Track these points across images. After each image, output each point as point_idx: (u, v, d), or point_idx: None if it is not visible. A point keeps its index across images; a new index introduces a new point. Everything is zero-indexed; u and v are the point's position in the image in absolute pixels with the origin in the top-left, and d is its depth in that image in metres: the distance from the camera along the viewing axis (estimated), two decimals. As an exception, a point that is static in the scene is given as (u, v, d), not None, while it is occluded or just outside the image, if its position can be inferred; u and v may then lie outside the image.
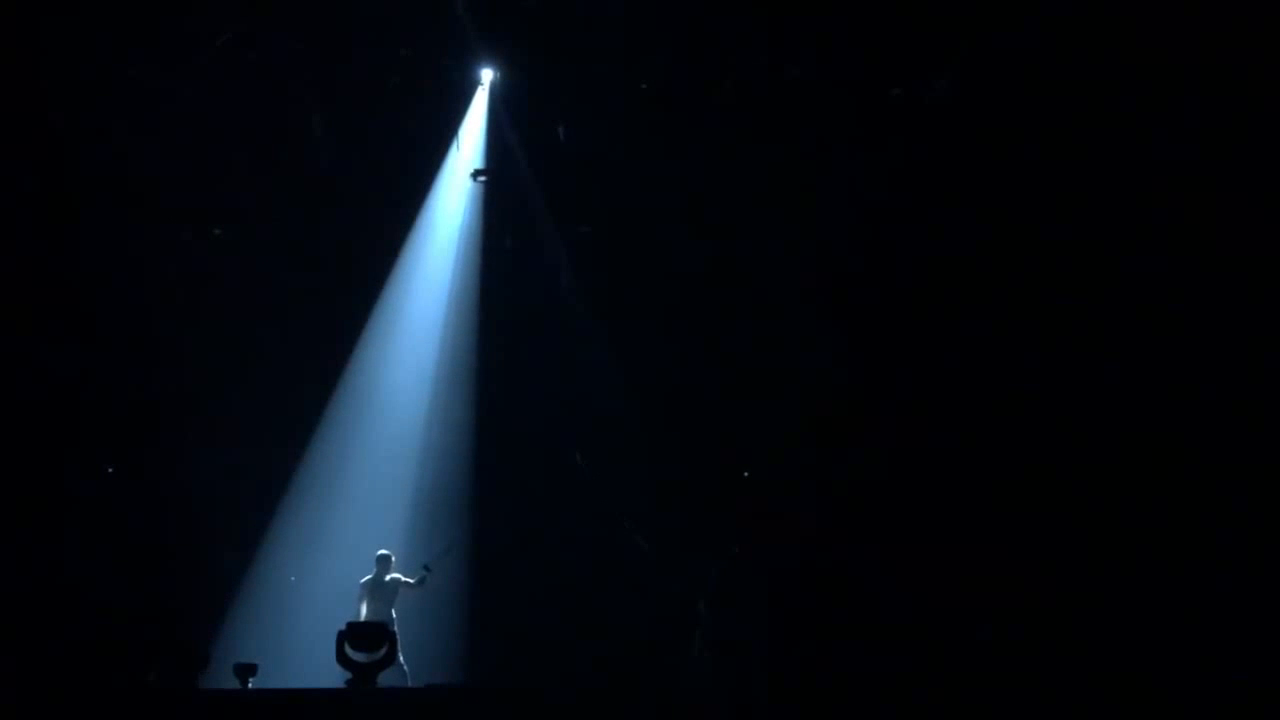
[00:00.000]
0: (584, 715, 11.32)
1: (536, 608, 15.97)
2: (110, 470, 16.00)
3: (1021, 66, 14.81)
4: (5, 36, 14.16)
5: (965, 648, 12.86)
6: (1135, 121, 14.47)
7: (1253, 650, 12.02)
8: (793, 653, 12.38)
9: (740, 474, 16.75)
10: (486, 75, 16.56)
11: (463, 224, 17.15)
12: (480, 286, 17.06)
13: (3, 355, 14.80)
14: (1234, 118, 14.00)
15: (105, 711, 11.25)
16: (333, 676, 12.57)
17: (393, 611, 14.41)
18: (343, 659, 12.44)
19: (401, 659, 13.57)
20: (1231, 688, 11.43)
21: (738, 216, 16.54)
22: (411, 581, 14.57)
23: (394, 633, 13.39)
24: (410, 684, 13.79)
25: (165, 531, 15.59)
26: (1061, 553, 13.69)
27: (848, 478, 15.57)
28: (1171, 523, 13.41)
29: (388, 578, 14.56)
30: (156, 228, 16.01)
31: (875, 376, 15.93)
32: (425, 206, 17.06)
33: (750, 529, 15.59)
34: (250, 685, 12.57)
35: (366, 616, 14.18)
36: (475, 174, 17.05)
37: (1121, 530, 13.67)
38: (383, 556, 14.68)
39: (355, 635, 12.63)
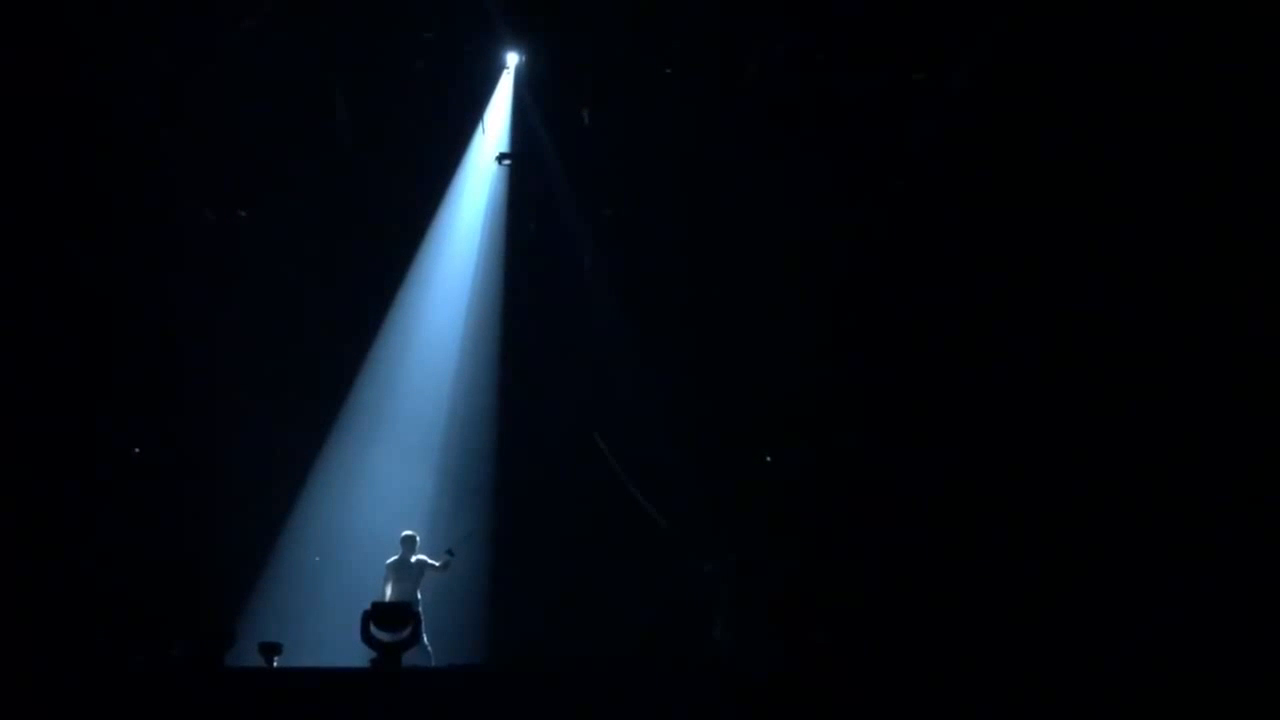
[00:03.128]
0: (605, 696, 11.33)
1: (559, 589, 16.03)
2: (137, 451, 16.12)
3: (1042, 54, 14.84)
4: (36, 20, 14.25)
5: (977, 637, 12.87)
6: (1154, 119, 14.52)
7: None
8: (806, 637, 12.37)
9: (762, 459, 16.84)
10: (512, 59, 16.57)
11: (487, 207, 17.20)
12: (504, 270, 17.12)
13: (33, 337, 14.91)
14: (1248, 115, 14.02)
15: (131, 689, 11.29)
16: (357, 656, 12.62)
17: (418, 592, 14.48)
18: (367, 638, 12.50)
19: (426, 639, 13.64)
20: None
21: (756, 203, 16.61)
22: (436, 564, 14.65)
23: (418, 613, 13.45)
24: (434, 664, 13.86)
25: (191, 510, 15.70)
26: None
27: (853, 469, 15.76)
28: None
29: (413, 559, 14.64)
30: (183, 210, 16.12)
31: (885, 371, 16.09)
32: (450, 190, 17.11)
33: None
34: (275, 664, 12.66)
35: (392, 597, 14.25)
36: (500, 157, 17.09)
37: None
38: (407, 537, 14.75)
39: (380, 615, 12.68)
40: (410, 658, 12.83)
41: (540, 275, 16.99)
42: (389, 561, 14.63)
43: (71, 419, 15.10)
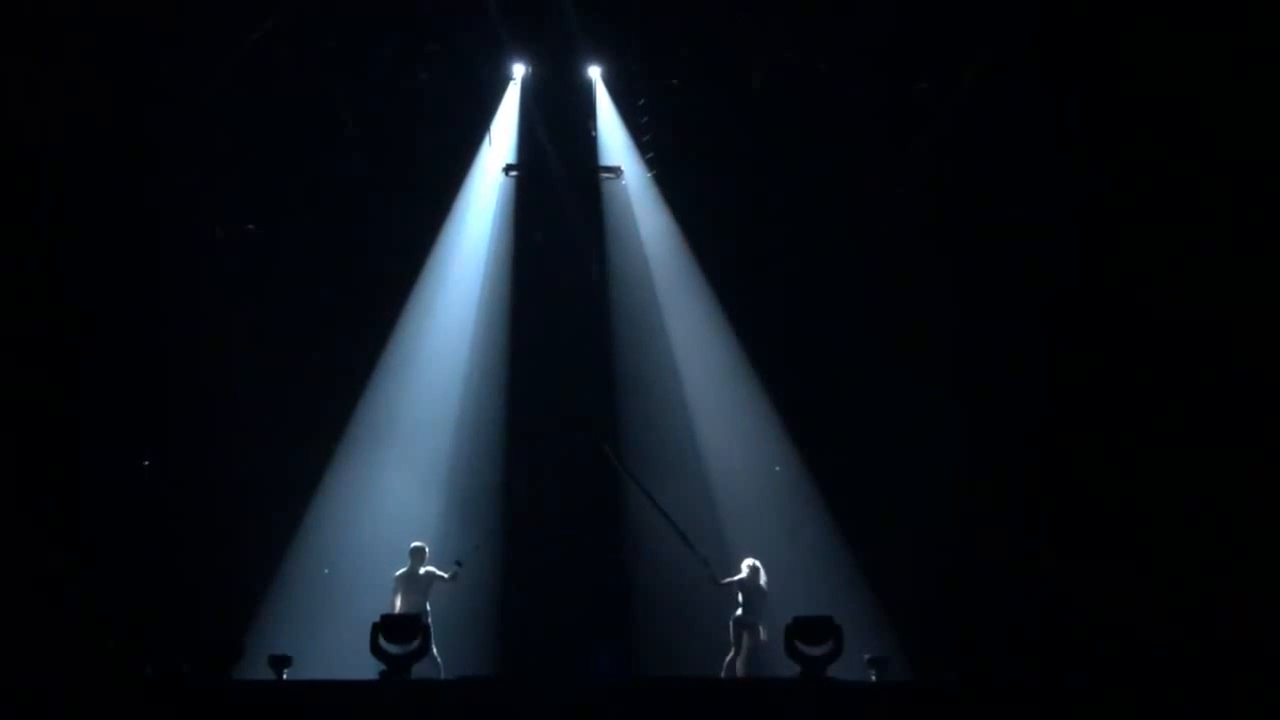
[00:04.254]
0: (613, 707, 11.32)
1: (567, 601, 16.03)
2: (146, 463, 16.16)
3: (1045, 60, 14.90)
4: (41, 31, 14.30)
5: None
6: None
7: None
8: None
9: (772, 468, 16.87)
10: (518, 71, 16.61)
11: (494, 217, 17.23)
12: (512, 280, 17.12)
13: (41, 351, 14.94)
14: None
15: (142, 702, 11.31)
16: (367, 668, 12.61)
17: (427, 604, 14.42)
18: (376, 651, 12.46)
19: (435, 651, 13.62)
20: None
21: (765, 206, 16.70)
22: (445, 575, 14.59)
23: (428, 625, 13.42)
24: (443, 675, 13.84)
25: (200, 523, 15.71)
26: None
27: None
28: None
29: (421, 570, 14.54)
30: (191, 223, 16.16)
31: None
32: (457, 202, 17.15)
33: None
34: (285, 676, 12.65)
35: (401, 609, 14.19)
36: (507, 169, 17.14)
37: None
38: (416, 549, 14.66)
39: (389, 627, 12.64)
40: (420, 669, 12.79)
41: (547, 286, 17.05)
42: (398, 574, 14.57)
43: (81, 433, 15.13)
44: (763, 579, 14.51)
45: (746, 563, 14.61)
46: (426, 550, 14.73)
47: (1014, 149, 15.70)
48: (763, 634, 14.18)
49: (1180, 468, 14.61)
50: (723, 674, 14.17)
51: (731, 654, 14.38)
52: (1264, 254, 14.22)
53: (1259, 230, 14.25)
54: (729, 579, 14.60)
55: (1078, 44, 14.82)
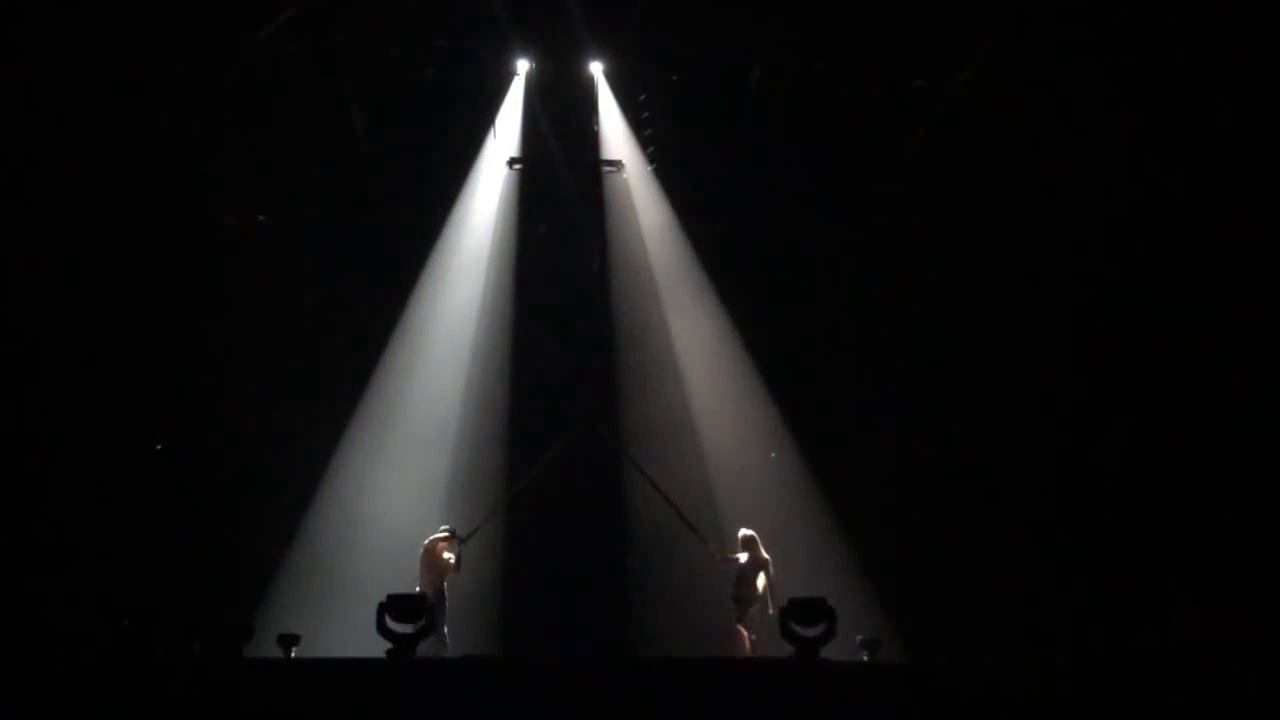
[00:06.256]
0: (610, 686, 11.47)
1: (568, 582, 16.24)
2: (158, 447, 16.36)
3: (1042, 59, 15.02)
4: (51, 30, 14.44)
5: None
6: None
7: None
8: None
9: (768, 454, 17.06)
10: (523, 66, 16.81)
11: (498, 209, 17.45)
12: (515, 269, 17.36)
13: (56, 336, 15.11)
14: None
15: (152, 681, 11.43)
16: (374, 646, 12.77)
17: (444, 583, 14.61)
18: (383, 630, 12.63)
19: (445, 629, 13.81)
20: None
21: (763, 199, 16.86)
22: (452, 559, 14.80)
23: (434, 604, 13.55)
24: (450, 654, 14.03)
25: (210, 504, 15.96)
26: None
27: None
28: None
29: (444, 555, 14.73)
30: (203, 214, 16.35)
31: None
32: (462, 193, 17.38)
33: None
34: (293, 655, 12.86)
35: (420, 587, 14.31)
36: (511, 162, 17.32)
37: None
38: (447, 534, 14.89)
39: (394, 607, 12.79)
40: (428, 648, 12.95)
41: (550, 276, 17.26)
42: (426, 543, 14.72)
43: (93, 416, 15.30)
44: (762, 550, 14.65)
45: (742, 534, 14.77)
46: (456, 535, 14.95)
47: (1013, 145, 15.86)
48: (771, 608, 14.22)
49: (1172, 455, 14.78)
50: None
51: (743, 635, 14.57)
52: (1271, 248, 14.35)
53: (1267, 224, 14.37)
54: (730, 556, 14.78)
55: (1074, 40, 14.96)
